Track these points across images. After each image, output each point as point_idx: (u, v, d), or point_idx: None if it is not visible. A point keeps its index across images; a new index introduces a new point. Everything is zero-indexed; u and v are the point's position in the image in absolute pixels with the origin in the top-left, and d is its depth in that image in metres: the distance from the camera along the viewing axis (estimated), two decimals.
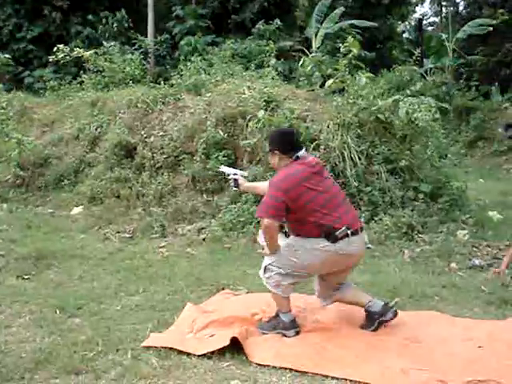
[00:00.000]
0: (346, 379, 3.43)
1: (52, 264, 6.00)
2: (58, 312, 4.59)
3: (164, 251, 6.61)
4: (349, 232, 4.05)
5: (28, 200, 8.91)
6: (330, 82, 8.63)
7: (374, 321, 4.30)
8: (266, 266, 4.21)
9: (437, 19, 41.41)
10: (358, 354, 3.78)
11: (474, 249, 6.73)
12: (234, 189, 4.89)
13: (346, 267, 4.30)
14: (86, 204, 8.44)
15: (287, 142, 4.26)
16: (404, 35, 32.30)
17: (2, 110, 10.56)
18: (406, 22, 35.80)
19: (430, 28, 39.85)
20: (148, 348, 3.85)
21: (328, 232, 4.04)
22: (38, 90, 13.74)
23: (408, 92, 8.65)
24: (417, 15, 37.94)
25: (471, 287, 5.39)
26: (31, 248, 6.41)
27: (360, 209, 7.51)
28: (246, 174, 4.95)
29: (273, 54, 12.03)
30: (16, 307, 4.70)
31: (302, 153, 4.19)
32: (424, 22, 40.42)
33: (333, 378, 3.46)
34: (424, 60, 22.51)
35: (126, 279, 5.55)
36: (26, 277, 5.57)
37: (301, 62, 9.79)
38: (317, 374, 3.50)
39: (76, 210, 8.38)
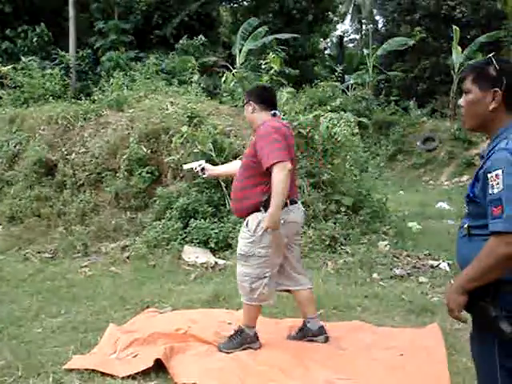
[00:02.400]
0: None
1: None
2: None
3: (87, 271, 6.48)
4: (288, 201, 3.99)
5: None
6: None
7: (304, 337, 4.36)
8: (251, 287, 4.05)
9: (357, 36, 42.73)
10: (283, 369, 3.83)
11: (395, 259, 6.97)
12: (204, 176, 4.72)
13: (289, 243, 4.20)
14: (5, 224, 8.16)
15: (267, 97, 4.22)
16: (326, 52, 33.12)
17: None
18: (328, 39, 36.74)
19: (350, 45, 41.06)
20: (71, 371, 3.78)
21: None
22: None
23: (328, 107, 8.84)
24: (338, 32, 39.05)
25: (392, 296, 5.58)
26: None
27: None
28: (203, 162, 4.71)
29: (195, 70, 12.06)
30: None
31: (278, 112, 4.22)
32: (345, 38, 41.68)
33: None
34: (345, 76, 23.18)
35: (47, 300, 5.41)
36: None
37: (224, 78, 9.88)
38: None
39: None
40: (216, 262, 6.74)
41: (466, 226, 2.37)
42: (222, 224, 7.37)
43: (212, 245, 7.14)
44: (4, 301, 5.41)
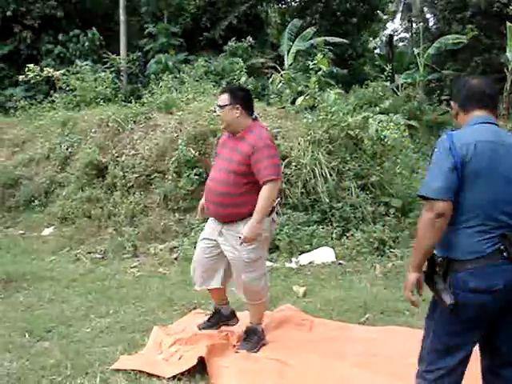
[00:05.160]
0: None
1: (22, 286, 5.92)
2: (26, 335, 4.55)
3: (135, 271, 6.56)
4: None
5: None
6: (300, 99, 8.73)
7: (218, 323, 4.56)
8: (261, 287, 4.26)
9: (407, 35, 42.11)
10: (319, 371, 3.82)
11: None
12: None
13: None
14: (57, 225, 8.34)
15: (250, 100, 4.19)
16: (376, 51, 32.76)
17: None
18: (378, 39, 36.34)
19: (400, 44, 40.48)
20: (117, 371, 3.84)
21: None
22: (9, 109, 13.57)
23: (377, 109, 8.73)
24: (388, 31, 38.58)
25: None
26: (0, 270, 6.32)
27: (332, 225, 7.57)
28: None
29: (243, 72, 12.07)
30: None
31: (257, 116, 4.26)
32: (395, 37, 41.15)
33: None
34: (396, 75, 22.82)
35: (96, 301, 5.51)
36: None
37: (271, 80, 9.87)
38: None
39: (47, 231, 8.29)
40: None
41: None
42: None
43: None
44: (55, 300, 5.53)
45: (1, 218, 8.91)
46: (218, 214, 4.14)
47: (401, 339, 4.45)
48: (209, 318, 4.55)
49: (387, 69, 17.43)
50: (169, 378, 3.69)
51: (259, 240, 4.03)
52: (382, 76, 17.11)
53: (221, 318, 4.53)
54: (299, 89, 9.19)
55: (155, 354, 4.11)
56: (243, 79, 11.77)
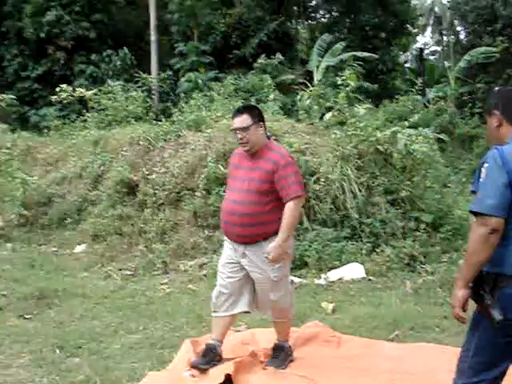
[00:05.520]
0: None
1: (53, 303, 6.01)
2: (57, 351, 4.61)
3: (165, 288, 6.62)
4: None
5: (32, 239, 8.94)
6: (328, 114, 8.74)
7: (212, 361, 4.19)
8: (290, 304, 4.29)
9: (438, 48, 41.90)
10: None
11: None
12: None
13: None
14: (88, 242, 8.47)
15: (263, 116, 4.19)
16: (407, 65, 32.65)
17: (7, 151, 10.73)
18: (408, 52, 36.22)
19: (431, 57, 40.28)
20: None
21: None
22: (44, 128, 13.88)
23: (406, 123, 8.69)
24: (419, 45, 38.44)
25: None
26: (33, 287, 6.42)
27: (361, 240, 7.54)
28: None
29: (271, 89, 12.15)
30: (16, 347, 4.71)
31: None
32: (426, 51, 40.97)
33: None
34: (426, 89, 22.69)
35: (126, 317, 5.56)
36: (27, 316, 5.58)
37: (299, 96, 9.91)
38: None
39: (79, 248, 8.42)
40: (292, 280, 6.69)
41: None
42: (299, 242, 7.35)
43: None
44: (86, 317, 5.60)
45: (34, 235, 9.07)
46: (240, 235, 4.03)
47: (430, 356, 4.42)
48: (204, 354, 4.18)
49: (418, 83, 17.36)
50: None
51: (285, 258, 4.02)
52: (413, 90, 17.03)
53: (215, 357, 4.16)
54: (327, 104, 9.21)
55: (183, 370, 4.13)
56: (272, 96, 11.84)
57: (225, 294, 4.18)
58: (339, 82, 8.71)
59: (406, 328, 5.14)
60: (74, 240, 8.71)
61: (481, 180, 2.61)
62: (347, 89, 8.56)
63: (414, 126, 9.97)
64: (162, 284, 6.78)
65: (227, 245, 4.23)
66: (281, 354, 4.28)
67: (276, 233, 3.92)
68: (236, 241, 4.09)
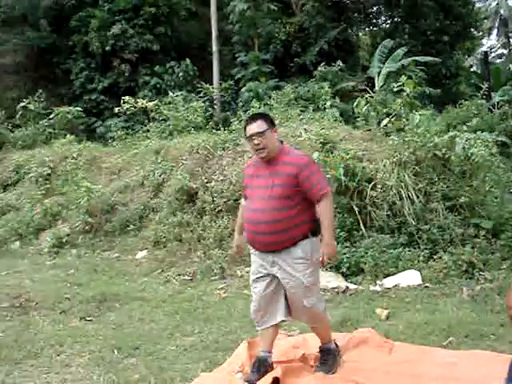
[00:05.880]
0: None
1: (114, 306, 6.25)
2: (115, 352, 4.80)
3: (222, 293, 6.75)
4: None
5: (95, 245, 9.31)
6: (385, 121, 8.70)
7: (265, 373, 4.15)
8: (324, 308, 4.24)
9: (505, 51, 40.77)
10: None
11: None
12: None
13: None
14: (150, 248, 8.73)
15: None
16: (472, 69, 31.92)
17: (73, 160, 11.20)
18: (473, 56, 35.41)
19: (498, 60, 39.23)
20: None
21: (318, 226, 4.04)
22: (109, 139, 14.35)
23: (465, 128, 8.56)
24: (484, 48, 37.57)
25: None
26: (96, 291, 6.70)
27: (419, 247, 7.46)
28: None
29: (328, 97, 12.19)
30: (77, 347, 4.93)
31: None
32: (492, 54, 39.93)
33: None
34: (492, 93, 22.12)
35: (183, 320, 5.72)
36: (88, 318, 5.84)
37: (356, 103, 9.92)
38: None
39: (140, 254, 8.69)
40: (347, 287, 6.73)
41: None
42: (355, 249, 7.36)
43: (344, 269, 7.15)
44: (145, 320, 5.80)
45: (98, 241, 9.42)
46: (270, 243, 3.97)
47: (483, 363, 4.34)
48: (256, 369, 4.14)
49: (482, 87, 16.97)
50: None
51: (315, 262, 4.02)
52: (477, 94, 16.66)
53: (267, 369, 4.15)
54: (385, 111, 9.18)
55: (235, 370, 4.23)
56: (328, 103, 11.86)
57: (261, 309, 4.16)
58: (395, 89, 8.65)
59: (461, 335, 5.07)
60: (135, 246, 9.00)
61: None
62: (404, 94, 8.50)
63: (477, 130, 9.79)
64: (218, 289, 6.92)
65: (255, 259, 4.18)
66: (329, 359, 4.29)
67: (304, 236, 3.96)
68: (264, 250, 4.04)
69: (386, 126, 8.73)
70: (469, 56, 32.92)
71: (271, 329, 4.22)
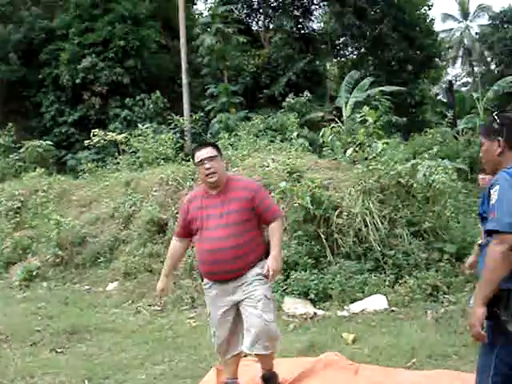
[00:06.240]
0: None
1: (84, 338, 6.29)
2: (86, 382, 4.85)
3: (192, 322, 6.82)
4: None
5: (66, 278, 9.30)
6: (349, 150, 8.96)
7: None
8: (277, 331, 4.21)
9: (470, 79, 41.86)
10: None
11: None
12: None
13: None
14: (120, 279, 8.76)
15: None
16: (439, 97, 32.68)
17: (43, 193, 11.22)
18: (440, 85, 36.26)
19: (463, 88, 40.24)
20: None
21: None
22: (80, 171, 14.39)
23: (426, 156, 8.86)
24: (450, 77, 38.51)
25: None
26: (66, 323, 6.73)
27: (385, 272, 7.65)
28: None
29: (295, 127, 12.47)
30: (47, 378, 4.99)
31: None
32: (458, 82, 40.97)
33: None
34: (458, 121, 22.68)
35: (153, 349, 5.79)
36: (59, 350, 5.88)
37: (321, 133, 10.18)
38: None
39: (111, 286, 8.72)
40: (315, 313, 6.87)
41: (479, 243, 3.05)
42: (322, 275, 7.51)
43: (312, 296, 7.29)
44: (115, 350, 5.85)
45: (69, 274, 9.42)
46: (233, 271, 4.03)
47: (445, 382, 4.51)
48: None
49: (448, 115, 17.44)
50: None
51: (269, 282, 4.13)
52: (443, 122, 17.11)
53: None
54: (349, 140, 9.45)
55: None
56: (295, 134, 12.12)
57: (224, 341, 4.24)
58: (358, 119, 8.94)
59: (424, 356, 5.23)
60: (106, 278, 9.03)
61: (493, 201, 2.75)
62: (366, 124, 8.78)
63: (443, 158, 10.09)
64: (188, 318, 7.00)
65: (213, 298, 4.19)
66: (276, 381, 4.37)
67: (260, 257, 4.10)
68: (225, 279, 4.06)
69: (350, 155, 8.98)
70: (434, 85, 33.74)
71: (235, 357, 4.32)
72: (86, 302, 8.04)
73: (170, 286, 4.54)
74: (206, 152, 4.10)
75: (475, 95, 21.91)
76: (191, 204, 4.23)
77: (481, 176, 5.45)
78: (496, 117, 3.04)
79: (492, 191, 2.79)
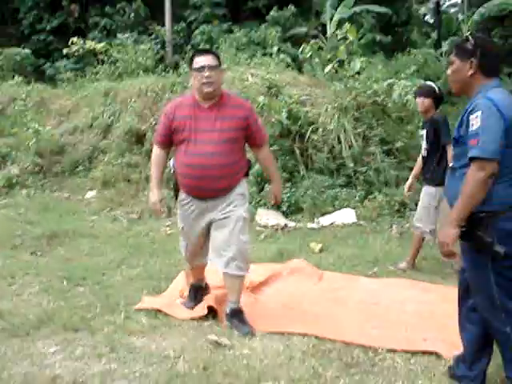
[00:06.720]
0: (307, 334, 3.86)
1: (64, 242, 6.52)
2: (64, 282, 5.08)
3: (167, 230, 7.08)
4: None
5: (45, 186, 9.45)
6: (328, 67, 9.01)
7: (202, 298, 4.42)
8: (248, 235, 4.10)
9: (459, 0, 41.10)
10: (318, 313, 4.27)
11: None
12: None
13: None
14: (99, 188, 8.94)
15: None
16: (427, 18, 32.17)
17: (22, 102, 11.18)
18: (428, 5, 35.62)
19: (453, 10, 39.53)
20: (140, 310, 4.32)
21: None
22: (59, 81, 14.22)
23: (403, 75, 8.95)
24: None
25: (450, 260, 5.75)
26: (46, 228, 6.94)
27: (356, 188, 7.92)
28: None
29: (275, 42, 12.37)
30: (27, 279, 5.20)
31: None
32: (446, 3, 40.18)
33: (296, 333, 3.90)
34: (442, 43, 22.52)
35: (129, 254, 6.05)
36: (39, 253, 6.11)
37: (301, 49, 10.17)
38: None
39: (90, 194, 8.92)
40: (286, 224, 7.16)
41: (452, 165, 2.99)
42: (295, 189, 7.76)
43: (284, 208, 7.56)
44: (93, 254, 6.10)
45: (48, 182, 9.57)
46: (218, 189, 3.92)
47: (401, 289, 4.84)
48: (192, 295, 4.41)
49: (432, 36, 17.33)
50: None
51: (247, 203, 4.18)
52: (426, 43, 17.01)
53: (204, 292, 4.44)
54: (328, 57, 9.47)
55: (176, 297, 4.60)
56: (275, 48, 12.06)
57: (193, 253, 4.22)
58: (339, 37, 8.94)
59: (385, 266, 5.56)
60: (85, 187, 9.22)
61: (475, 128, 2.74)
62: (347, 42, 8.81)
63: (425, 79, 10.16)
64: (165, 226, 7.24)
65: (190, 211, 4.06)
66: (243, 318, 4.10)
67: (244, 176, 4.11)
68: (209, 196, 3.94)
69: (328, 72, 9.04)
70: (422, 3, 33.14)
71: (201, 266, 4.36)
72: (65, 209, 8.24)
73: (163, 197, 4.31)
74: (207, 59, 3.84)
75: (461, 17, 21.70)
76: (178, 111, 3.97)
77: (420, 99, 5.44)
78: (470, 37, 2.99)
79: (472, 117, 2.78)
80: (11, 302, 4.57)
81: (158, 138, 4.17)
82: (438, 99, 5.33)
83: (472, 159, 2.74)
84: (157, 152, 4.17)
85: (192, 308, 4.32)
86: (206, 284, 4.53)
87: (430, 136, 5.27)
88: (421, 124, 8.60)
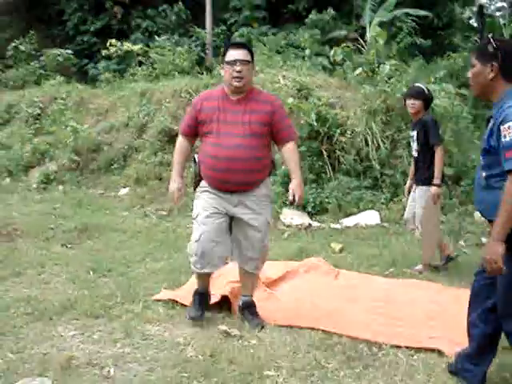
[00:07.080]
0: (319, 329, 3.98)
1: (93, 236, 6.79)
2: (90, 273, 5.33)
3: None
4: None
5: (81, 182, 9.85)
6: (357, 70, 9.09)
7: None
8: (268, 235, 4.11)
9: (505, 4, 40.36)
10: (329, 311, 4.36)
11: (488, 229, 7.08)
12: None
13: None
14: (132, 185, 9.24)
15: None
16: (472, 21, 31.77)
17: (62, 101, 11.59)
18: (474, 8, 35.12)
19: (498, 13, 38.85)
20: (159, 301, 4.52)
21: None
22: (100, 81, 14.59)
23: (432, 79, 8.97)
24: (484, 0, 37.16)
25: (470, 262, 5.77)
26: (78, 222, 7.23)
27: (382, 190, 8.00)
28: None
29: (308, 45, 12.47)
30: (56, 269, 5.47)
31: None
32: (492, 6, 39.53)
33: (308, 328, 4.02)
34: None
35: (155, 248, 6.29)
36: (69, 245, 6.38)
37: (332, 52, 10.26)
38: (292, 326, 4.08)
39: (123, 191, 9.22)
40: (310, 224, 7.28)
41: (483, 175, 2.91)
42: (321, 190, 7.88)
43: (309, 208, 7.69)
44: (121, 247, 6.35)
45: (84, 179, 9.94)
46: (242, 183, 3.88)
47: (412, 289, 4.92)
48: (199, 303, 4.21)
49: (472, 40, 17.11)
50: None
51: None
52: (466, 47, 16.79)
53: (209, 299, 4.30)
54: (359, 60, 9.55)
55: (193, 290, 4.76)
56: (307, 51, 12.17)
57: (211, 249, 3.93)
58: (369, 41, 9.01)
59: (402, 267, 5.63)
60: (119, 184, 9.55)
61: (508, 139, 2.65)
62: (377, 44, 8.87)
63: (459, 86, 10.12)
64: (191, 223, 7.41)
65: (212, 196, 3.96)
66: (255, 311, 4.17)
67: (268, 175, 4.07)
68: (233, 190, 3.90)
69: (358, 75, 9.13)
70: (467, 6, 32.71)
71: (208, 274, 4.14)
72: (99, 205, 8.56)
73: (183, 186, 4.26)
74: (241, 53, 3.83)
75: (502, 21, 21.38)
76: (206, 103, 3.98)
77: (410, 101, 5.41)
78: (492, 39, 2.89)
79: (504, 127, 2.70)
80: (39, 290, 4.83)
81: (183, 128, 4.20)
82: (427, 101, 5.43)
83: (510, 172, 2.67)
84: (181, 142, 4.22)
85: (194, 319, 4.11)
86: (209, 293, 4.30)
87: (420, 137, 5.38)
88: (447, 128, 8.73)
